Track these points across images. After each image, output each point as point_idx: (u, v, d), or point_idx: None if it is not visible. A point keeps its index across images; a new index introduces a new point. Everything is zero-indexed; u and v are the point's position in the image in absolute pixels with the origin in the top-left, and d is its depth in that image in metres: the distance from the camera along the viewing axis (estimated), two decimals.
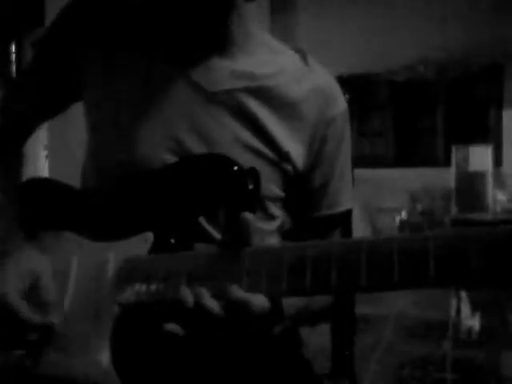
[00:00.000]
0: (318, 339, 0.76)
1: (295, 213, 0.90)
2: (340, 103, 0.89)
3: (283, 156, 0.84)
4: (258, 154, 0.82)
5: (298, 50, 0.89)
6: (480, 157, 5.55)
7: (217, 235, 0.78)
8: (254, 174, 0.79)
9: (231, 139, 0.82)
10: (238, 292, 0.64)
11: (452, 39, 5.64)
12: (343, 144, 0.90)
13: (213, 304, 0.64)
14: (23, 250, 0.81)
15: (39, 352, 0.77)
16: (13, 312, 0.75)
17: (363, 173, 3.95)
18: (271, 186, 0.84)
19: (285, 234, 0.90)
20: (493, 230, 0.56)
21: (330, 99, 0.87)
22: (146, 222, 0.79)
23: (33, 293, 0.77)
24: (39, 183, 0.92)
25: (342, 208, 0.91)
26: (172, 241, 0.77)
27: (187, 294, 0.65)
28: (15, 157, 0.97)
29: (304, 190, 0.88)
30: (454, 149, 5.65)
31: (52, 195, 0.89)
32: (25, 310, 0.75)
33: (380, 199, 5.80)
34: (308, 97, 0.85)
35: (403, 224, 5.80)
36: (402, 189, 5.86)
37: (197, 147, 0.81)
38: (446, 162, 5.81)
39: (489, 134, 5.85)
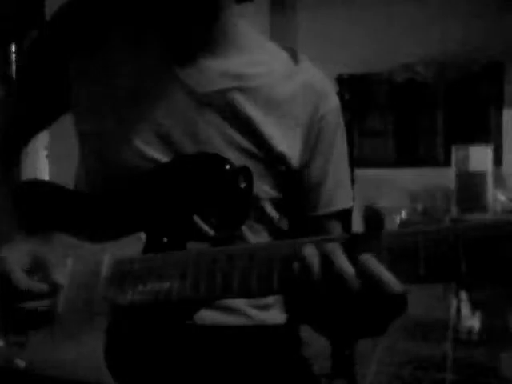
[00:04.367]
0: (318, 339, 0.76)
1: (292, 213, 0.90)
2: (332, 99, 0.88)
3: (277, 156, 0.84)
4: (249, 154, 0.82)
5: (289, 49, 0.89)
6: (480, 157, 5.54)
7: (211, 233, 0.78)
8: (246, 172, 0.79)
9: (222, 140, 0.82)
10: (380, 267, 0.58)
11: (452, 39, 5.64)
12: (337, 141, 0.89)
13: (347, 267, 0.58)
14: (23, 238, 0.82)
15: (42, 325, 0.78)
16: (16, 284, 0.75)
17: (363, 173, 3.95)
18: (265, 186, 0.84)
19: (281, 234, 0.90)
20: (483, 224, 0.56)
21: (322, 95, 0.87)
22: (138, 222, 0.79)
23: (36, 269, 0.78)
24: (35, 185, 0.93)
25: (338, 206, 0.90)
26: (165, 240, 0.77)
27: (312, 252, 0.60)
28: (14, 159, 0.98)
29: (300, 189, 0.88)
30: (453, 149, 5.64)
31: (47, 197, 0.89)
32: (27, 280, 0.76)
33: (380, 199, 5.80)
34: (299, 94, 0.85)
35: (403, 224, 5.80)
36: (402, 189, 5.85)
37: (188, 148, 0.81)
38: (446, 162, 5.81)
39: (489, 134, 5.85)
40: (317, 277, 0.59)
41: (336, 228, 0.91)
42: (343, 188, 0.91)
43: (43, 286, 0.76)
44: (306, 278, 0.59)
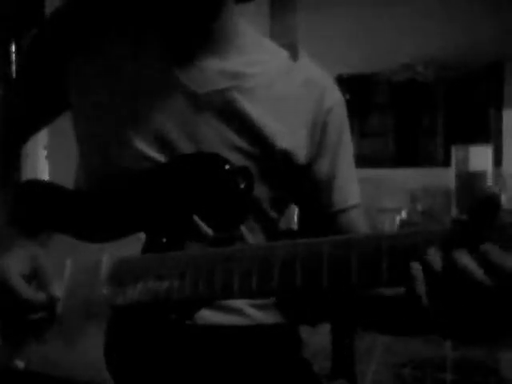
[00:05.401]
0: (318, 339, 0.75)
1: (305, 209, 0.90)
2: (335, 94, 0.89)
3: (279, 154, 0.84)
4: (248, 154, 0.82)
5: (288, 47, 0.90)
6: (480, 157, 5.54)
7: (210, 233, 0.78)
8: (245, 172, 0.79)
9: (221, 140, 0.82)
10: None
11: (452, 39, 5.64)
12: (344, 135, 0.90)
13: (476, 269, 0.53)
14: (22, 243, 0.81)
15: (41, 333, 0.78)
16: (14, 292, 0.75)
17: (363, 173, 3.94)
18: (264, 187, 0.84)
19: (279, 235, 0.90)
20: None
21: (324, 90, 0.87)
22: (137, 222, 0.79)
23: (34, 275, 0.78)
24: (34, 185, 0.93)
25: (352, 201, 0.90)
26: (164, 240, 0.77)
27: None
28: (13, 158, 0.98)
29: (312, 185, 0.88)
30: (453, 149, 5.64)
31: (45, 197, 0.89)
32: (26, 289, 0.76)
33: (380, 199, 5.79)
34: (301, 91, 0.85)
35: (403, 224, 5.79)
36: (401, 189, 5.85)
37: (186, 148, 0.81)
38: (446, 162, 5.81)
39: (489, 134, 5.85)
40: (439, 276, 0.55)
41: (355, 218, 0.90)
42: (354, 183, 0.91)
43: (41, 297, 0.76)
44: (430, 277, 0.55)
